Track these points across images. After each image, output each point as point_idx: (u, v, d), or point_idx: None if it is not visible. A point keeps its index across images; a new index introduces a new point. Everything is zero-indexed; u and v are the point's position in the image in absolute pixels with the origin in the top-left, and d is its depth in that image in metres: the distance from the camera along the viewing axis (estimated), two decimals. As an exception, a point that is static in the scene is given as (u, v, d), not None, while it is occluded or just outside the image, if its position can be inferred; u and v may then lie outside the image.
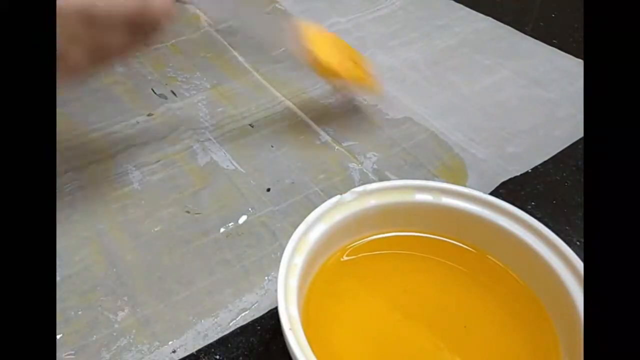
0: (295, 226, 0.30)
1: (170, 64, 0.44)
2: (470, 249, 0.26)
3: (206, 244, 0.30)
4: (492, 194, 0.31)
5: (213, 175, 0.34)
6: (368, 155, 0.35)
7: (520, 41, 0.46)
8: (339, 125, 0.38)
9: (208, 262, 0.29)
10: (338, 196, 0.26)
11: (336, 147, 0.36)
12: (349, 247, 0.27)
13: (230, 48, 0.46)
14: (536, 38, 0.46)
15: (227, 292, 0.27)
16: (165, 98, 0.40)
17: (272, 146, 0.36)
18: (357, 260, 0.26)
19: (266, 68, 0.44)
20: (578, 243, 0.30)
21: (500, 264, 0.26)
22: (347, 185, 0.33)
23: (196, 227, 0.31)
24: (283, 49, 0.45)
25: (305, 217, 0.31)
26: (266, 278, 0.28)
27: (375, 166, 0.34)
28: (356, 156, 0.35)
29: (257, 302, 0.27)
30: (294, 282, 0.22)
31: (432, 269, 0.26)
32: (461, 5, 0.51)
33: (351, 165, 0.35)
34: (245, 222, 0.31)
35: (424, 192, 0.26)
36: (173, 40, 0.47)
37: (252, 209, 0.32)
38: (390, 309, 0.25)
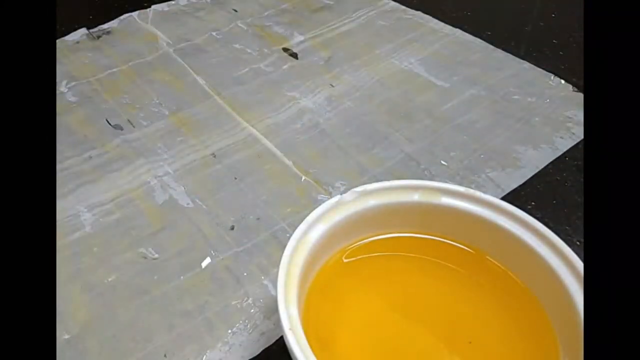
0: (261, 268, 0.29)
1: (126, 90, 0.42)
2: (470, 249, 0.26)
3: (165, 293, 0.28)
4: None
5: (172, 214, 0.32)
6: (336, 185, 0.34)
7: (491, 54, 0.45)
8: (304, 152, 0.36)
9: (167, 314, 0.27)
10: (338, 196, 0.25)
11: (303, 177, 0.34)
12: (349, 247, 0.26)
13: (190, 70, 0.44)
14: (508, 52, 0.45)
15: (188, 350, 0.25)
16: (121, 129, 0.38)
17: (236, 178, 0.34)
18: (357, 261, 0.26)
19: (228, 91, 0.41)
20: (578, 243, 0.30)
21: (500, 265, 0.25)
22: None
23: (154, 275, 0.29)
24: (247, 68, 0.44)
25: (271, 257, 0.30)
26: (230, 331, 0.26)
27: (344, 197, 0.32)
28: (324, 186, 0.34)
29: (221, 359, 0.25)
30: (294, 282, 0.22)
31: (432, 270, 0.26)
32: (430, 17, 0.50)
33: (320, 197, 0.33)
34: (207, 267, 0.29)
35: (424, 192, 0.26)
36: (130, 63, 0.44)
37: (214, 251, 0.30)
38: (390, 309, 0.25)
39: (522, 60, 0.44)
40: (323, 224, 0.25)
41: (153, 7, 0.51)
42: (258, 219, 0.32)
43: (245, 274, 0.29)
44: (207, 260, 0.29)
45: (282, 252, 0.23)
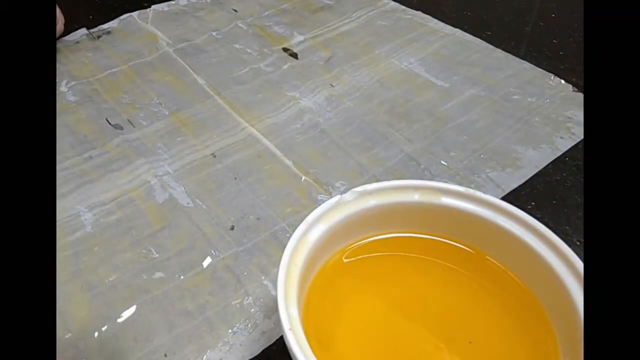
0: (261, 268, 0.29)
1: (126, 90, 0.42)
2: (470, 249, 0.26)
3: (165, 293, 0.28)
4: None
5: (172, 213, 0.32)
6: (336, 185, 0.34)
7: (491, 54, 0.45)
8: (304, 152, 0.36)
9: (167, 314, 0.27)
10: (338, 196, 0.25)
11: (303, 177, 0.34)
12: (349, 247, 0.26)
13: (190, 70, 0.44)
14: (508, 52, 0.45)
15: (188, 349, 0.25)
16: (121, 128, 0.38)
17: (236, 178, 0.34)
18: (357, 262, 0.26)
19: (228, 91, 0.41)
20: (578, 243, 0.30)
21: (500, 265, 0.26)
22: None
23: (154, 274, 0.29)
24: (247, 68, 0.44)
25: (271, 257, 0.30)
26: (230, 331, 0.26)
27: (344, 197, 0.32)
28: (324, 186, 0.34)
29: (221, 359, 0.25)
30: (294, 282, 0.22)
31: (432, 270, 0.26)
32: (430, 17, 0.50)
33: (320, 197, 0.33)
34: (207, 266, 0.29)
35: (424, 192, 0.26)
36: (130, 63, 0.44)
37: (215, 250, 0.30)
38: (390, 309, 0.25)
39: (522, 60, 0.44)
40: (323, 224, 0.25)
41: (153, 7, 0.51)
42: (258, 219, 0.32)
43: (245, 273, 0.29)
44: (208, 260, 0.29)
45: (282, 252, 0.23)
